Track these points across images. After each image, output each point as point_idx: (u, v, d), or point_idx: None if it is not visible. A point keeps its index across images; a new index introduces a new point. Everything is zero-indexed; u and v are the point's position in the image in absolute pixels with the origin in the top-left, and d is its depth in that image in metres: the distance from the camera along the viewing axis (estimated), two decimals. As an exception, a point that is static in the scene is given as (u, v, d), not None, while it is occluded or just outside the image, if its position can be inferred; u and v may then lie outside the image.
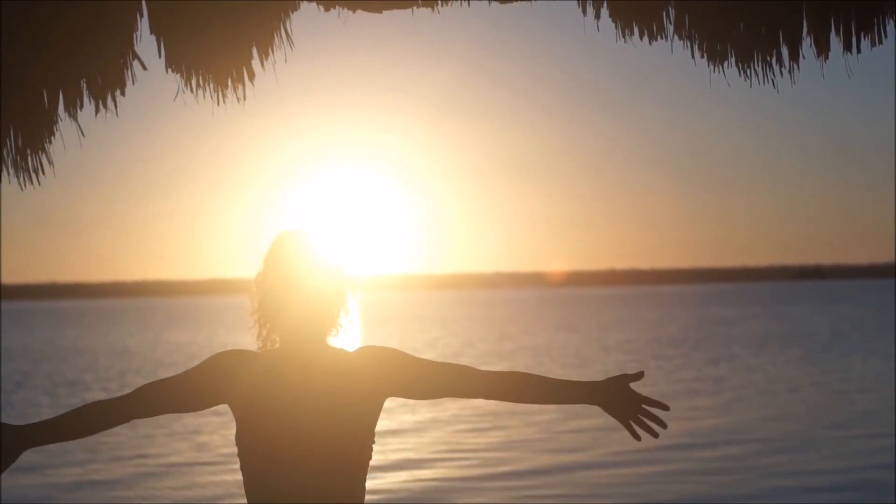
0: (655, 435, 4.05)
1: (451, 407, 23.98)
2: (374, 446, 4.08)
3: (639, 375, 4.03)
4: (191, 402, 4.09)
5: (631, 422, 4.04)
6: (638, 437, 4.06)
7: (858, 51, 5.13)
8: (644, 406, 4.03)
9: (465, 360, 37.77)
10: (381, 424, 4.28)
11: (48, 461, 17.74)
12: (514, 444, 19.24)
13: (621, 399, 4.03)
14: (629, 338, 51.45)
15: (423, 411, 23.32)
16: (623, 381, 4.03)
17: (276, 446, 3.99)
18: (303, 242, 4.09)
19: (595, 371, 33.86)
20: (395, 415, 22.46)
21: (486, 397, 4.10)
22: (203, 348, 49.59)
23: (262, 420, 4.01)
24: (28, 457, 4.59)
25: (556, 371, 34.27)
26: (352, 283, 4.13)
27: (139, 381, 34.64)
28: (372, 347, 4.11)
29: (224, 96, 5.42)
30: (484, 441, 19.76)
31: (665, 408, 4.03)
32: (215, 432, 21.36)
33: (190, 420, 22.06)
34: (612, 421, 4.16)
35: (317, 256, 4.08)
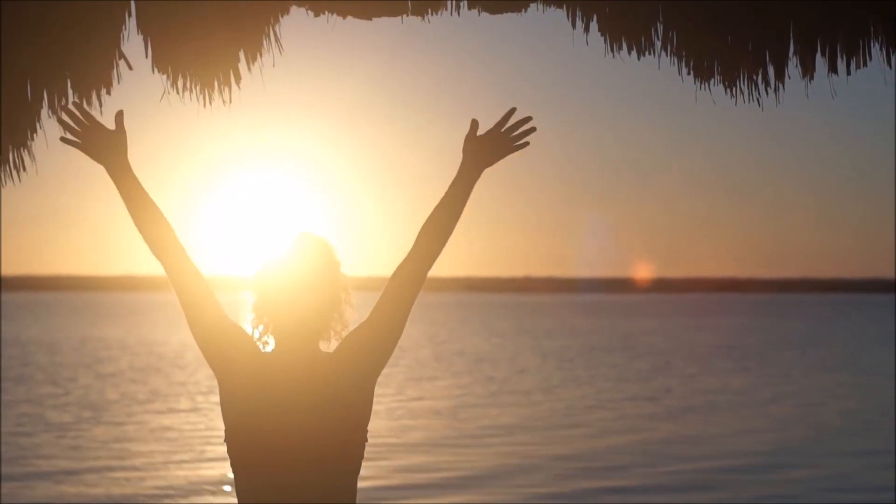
0: (533, 129, 4.24)
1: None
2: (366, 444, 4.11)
3: (474, 124, 4.20)
4: (203, 329, 4.10)
5: (512, 146, 4.24)
6: (527, 143, 4.25)
7: (848, 73, 5.20)
8: (504, 129, 4.22)
9: (402, 367, 37.76)
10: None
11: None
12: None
13: (488, 145, 4.21)
14: (564, 345, 51.64)
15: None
16: (472, 137, 4.21)
17: (267, 449, 4.00)
18: (300, 247, 4.10)
19: (549, 384, 33.95)
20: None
21: (431, 265, 4.19)
22: (133, 345, 49.34)
23: (253, 421, 4.01)
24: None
25: (500, 376, 34.38)
26: (346, 289, 4.15)
27: (81, 374, 34.34)
28: (341, 343, 4.12)
29: (210, 98, 5.40)
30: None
31: (513, 110, 4.23)
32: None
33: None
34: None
35: (313, 262, 4.09)
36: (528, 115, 4.25)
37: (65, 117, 4.16)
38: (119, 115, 4.17)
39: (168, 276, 4.13)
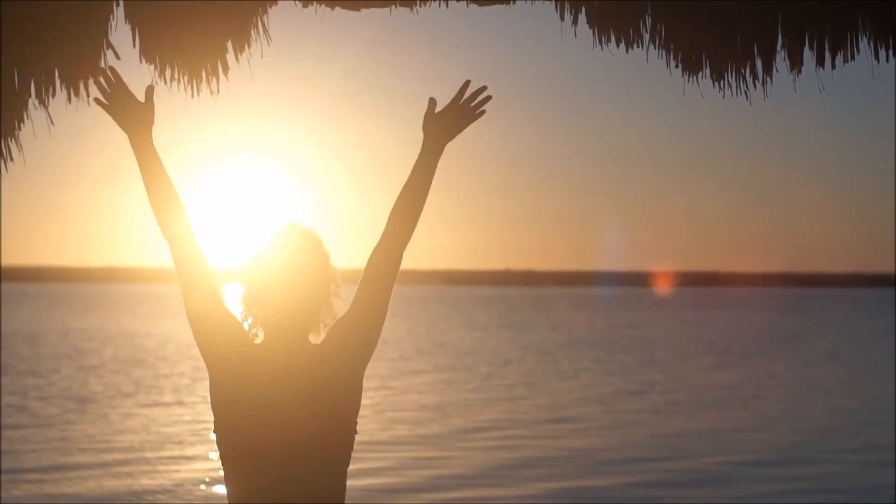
0: (489, 97, 4.29)
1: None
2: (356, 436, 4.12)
3: (432, 102, 4.24)
4: (197, 316, 4.10)
5: (473, 114, 4.28)
6: (484, 112, 4.30)
7: (833, 66, 5.22)
8: (462, 100, 4.27)
9: (385, 358, 37.75)
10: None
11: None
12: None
13: (448, 119, 4.26)
14: (543, 339, 51.66)
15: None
16: (431, 115, 4.25)
17: (256, 440, 4.00)
18: (289, 238, 4.09)
19: (532, 377, 33.96)
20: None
21: (404, 247, 4.20)
22: (116, 336, 49.24)
23: (242, 413, 4.01)
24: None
25: (482, 371, 34.38)
26: (336, 281, 4.14)
27: (64, 366, 34.26)
28: (327, 334, 4.12)
29: (198, 89, 5.39)
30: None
31: (468, 82, 4.28)
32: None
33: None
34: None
35: (302, 253, 4.08)
36: (483, 85, 4.28)
37: (101, 80, 4.23)
38: (150, 89, 4.22)
39: (172, 257, 4.14)
